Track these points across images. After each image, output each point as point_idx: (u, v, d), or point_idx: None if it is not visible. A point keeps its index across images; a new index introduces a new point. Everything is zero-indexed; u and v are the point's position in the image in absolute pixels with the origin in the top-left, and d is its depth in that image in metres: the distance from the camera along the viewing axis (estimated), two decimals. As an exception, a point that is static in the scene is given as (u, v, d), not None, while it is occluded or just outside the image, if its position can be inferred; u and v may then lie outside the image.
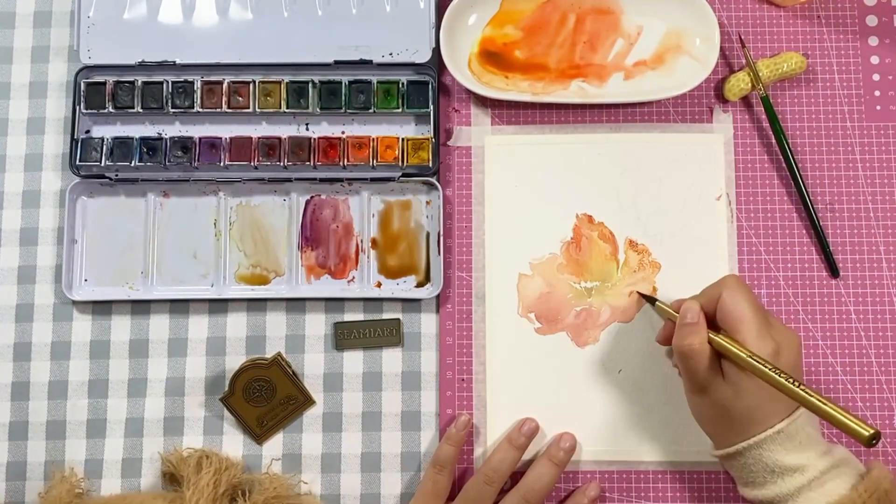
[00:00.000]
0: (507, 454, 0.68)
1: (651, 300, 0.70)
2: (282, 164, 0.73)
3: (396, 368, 0.72)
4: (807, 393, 0.56)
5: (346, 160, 0.73)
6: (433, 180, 0.73)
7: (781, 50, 0.75)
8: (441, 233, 0.72)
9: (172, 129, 0.75)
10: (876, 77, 0.75)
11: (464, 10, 0.74)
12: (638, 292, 0.72)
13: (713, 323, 0.63)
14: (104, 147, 0.73)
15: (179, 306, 0.73)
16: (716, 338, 0.61)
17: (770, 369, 0.57)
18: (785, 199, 0.74)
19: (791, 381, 0.57)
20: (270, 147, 0.74)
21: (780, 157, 0.73)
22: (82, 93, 0.74)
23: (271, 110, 0.74)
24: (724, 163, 0.74)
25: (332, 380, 0.72)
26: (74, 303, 0.73)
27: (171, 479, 0.70)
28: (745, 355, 0.59)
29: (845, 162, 0.74)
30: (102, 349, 0.73)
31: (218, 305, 0.73)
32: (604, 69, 0.74)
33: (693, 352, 0.61)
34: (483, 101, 0.75)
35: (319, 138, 0.74)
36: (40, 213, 0.74)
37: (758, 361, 0.58)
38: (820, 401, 0.55)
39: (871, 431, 0.53)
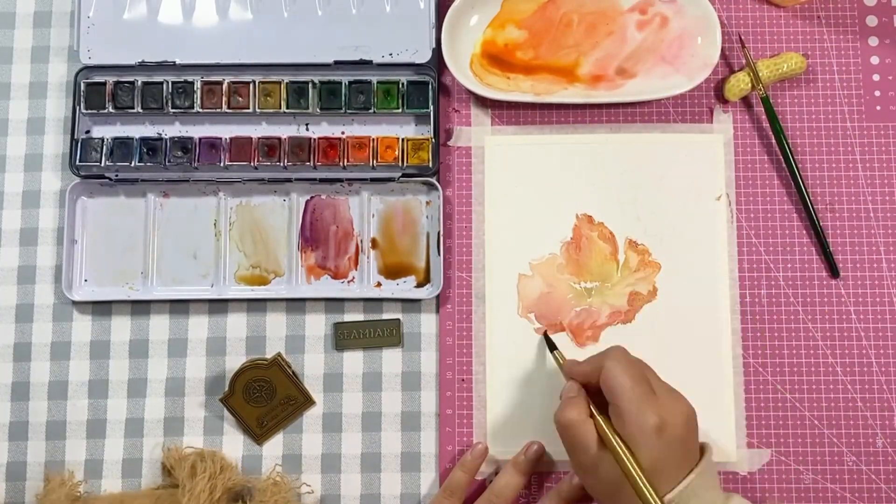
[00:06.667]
0: (511, 479, 0.68)
1: (551, 346, 0.70)
2: (282, 164, 0.73)
3: (396, 369, 0.72)
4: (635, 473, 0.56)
5: (346, 160, 0.73)
6: (433, 180, 0.73)
7: (781, 50, 0.75)
8: (441, 233, 0.72)
9: (172, 130, 0.75)
10: (876, 77, 0.75)
11: (465, 11, 0.74)
12: (545, 334, 0.71)
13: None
14: (104, 147, 0.73)
15: (179, 306, 0.73)
16: (595, 415, 0.60)
17: (630, 463, 0.57)
18: (785, 199, 0.74)
19: (645, 485, 0.56)
20: (270, 147, 0.74)
21: (780, 157, 0.74)
22: (82, 93, 0.74)
23: (271, 110, 0.74)
24: (724, 163, 0.74)
25: (332, 380, 0.72)
26: (74, 303, 0.73)
27: (171, 473, 0.70)
28: (612, 438, 0.58)
29: (845, 162, 0.74)
30: (102, 349, 0.73)
31: (218, 306, 0.73)
32: (605, 69, 0.74)
33: (571, 424, 0.60)
34: (483, 102, 0.75)
35: (319, 138, 0.74)
36: (40, 213, 0.74)
37: (622, 449, 0.57)
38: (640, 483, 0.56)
39: None
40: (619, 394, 0.58)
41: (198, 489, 0.66)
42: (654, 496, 0.56)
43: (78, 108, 0.74)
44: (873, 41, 0.76)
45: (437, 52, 0.73)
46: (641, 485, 0.56)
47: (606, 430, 0.59)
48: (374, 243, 0.74)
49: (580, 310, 0.73)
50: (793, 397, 0.71)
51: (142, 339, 0.73)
